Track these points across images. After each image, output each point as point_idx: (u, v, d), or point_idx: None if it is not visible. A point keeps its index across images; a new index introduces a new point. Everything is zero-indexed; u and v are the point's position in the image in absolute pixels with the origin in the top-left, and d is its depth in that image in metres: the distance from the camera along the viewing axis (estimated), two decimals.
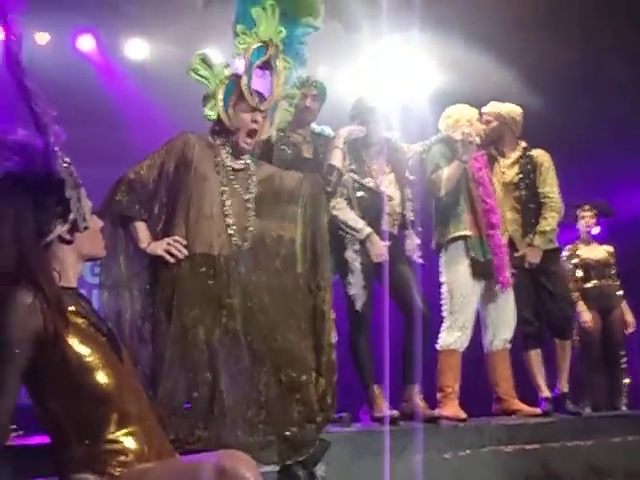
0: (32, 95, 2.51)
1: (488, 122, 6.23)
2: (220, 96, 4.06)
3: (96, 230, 2.76)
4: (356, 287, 5.22)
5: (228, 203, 3.98)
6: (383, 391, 5.16)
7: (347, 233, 5.26)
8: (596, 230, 8.02)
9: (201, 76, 4.08)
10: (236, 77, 4.09)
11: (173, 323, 3.75)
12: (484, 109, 6.23)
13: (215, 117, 4.11)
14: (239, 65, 4.09)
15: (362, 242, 5.25)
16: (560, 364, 6.19)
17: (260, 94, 4.11)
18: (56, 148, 2.55)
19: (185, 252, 3.87)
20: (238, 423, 3.68)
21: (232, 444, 3.43)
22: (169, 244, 3.88)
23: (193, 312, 3.78)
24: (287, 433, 3.79)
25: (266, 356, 3.84)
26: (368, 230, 5.25)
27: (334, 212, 5.20)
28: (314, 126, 5.49)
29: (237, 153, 4.11)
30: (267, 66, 4.13)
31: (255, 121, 4.07)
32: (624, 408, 7.30)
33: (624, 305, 7.75)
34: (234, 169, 4.07)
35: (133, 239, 3.94)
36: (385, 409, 5.08)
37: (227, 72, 4.10)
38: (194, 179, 3.96)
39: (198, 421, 3.62)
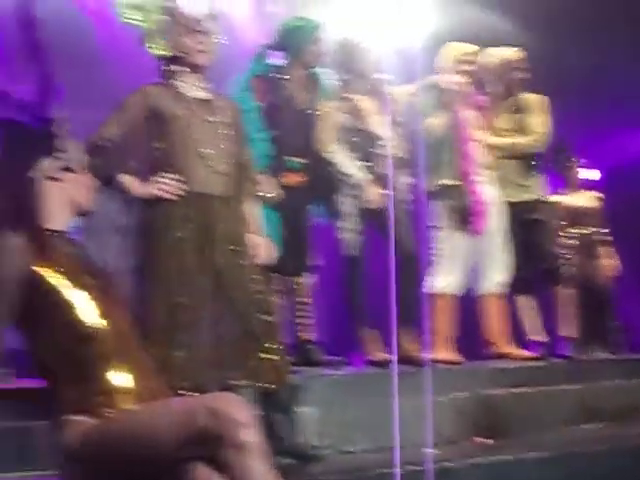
0: (41, 53, 2.52)
1: (517, 69, 6.17)
2: (162, 30, 4.00)
3: (88, 183, 2.75)
4: (349, 231, 5.23)
5: (201, 132, 3.93)
6: (377, 335, 5.18)
7: (341, 177, 5.26)
8: (592, 176, 8.01)
9: (132, 19, 4.03)
10: (168, 10, 4.02)
11: (164, 262, 3.76)
12: (509, 56, 6.16)
13: (163, 51, 4.03)
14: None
15: (356, 186, 5.25)
16: (562, 310, 6.17)
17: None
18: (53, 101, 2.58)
19: (181, 186, 3.85)
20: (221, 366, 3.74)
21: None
22: (161, 182, 3.84)
23: (185, 253, 3.78)
24: (263, 356, 3.84)
25: (242, 300, 3.86)
26: (362, 175, 5.24)
27: (329, 156, 5.21)
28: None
29: (195, 81, 4.03)
30: None
31: (201, 42, 4.01)
32: (612, 353, 7.36)
33: (610, 250, 7.79)
34: (198, 99, 4.00)
35: (121, 193, 3.90)
36: (379, 353, 5.10)
37: (158, 7, 4.04)
38: (168, 123, 3.91)
39: (186, 367, 3.65)
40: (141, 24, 4.02)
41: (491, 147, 6.02)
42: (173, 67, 4.00)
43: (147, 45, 4.02)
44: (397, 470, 3.86)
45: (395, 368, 4.56)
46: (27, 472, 3.91)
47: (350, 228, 5.24)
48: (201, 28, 3.99)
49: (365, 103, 5.44)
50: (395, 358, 4.82)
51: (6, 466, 3.90)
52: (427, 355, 5.16)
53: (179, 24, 3.97)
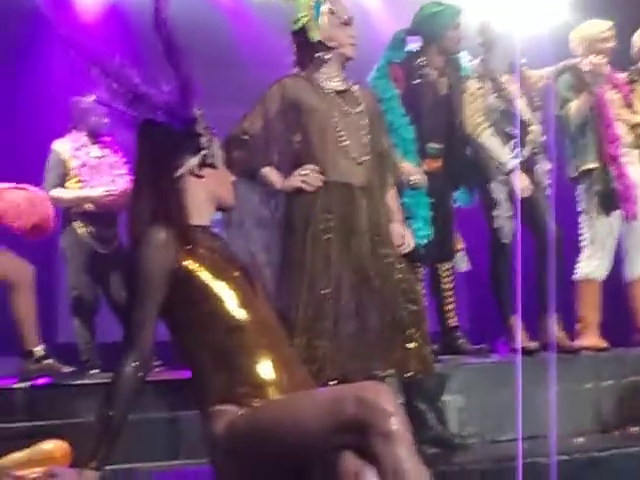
0: (178, 54, 2.58)
1: None
2: (314, 18, 3.98)
3: (227, 178, 2.81)
4: (501, 219, 5.18)
5: (341, 124, 3.92)
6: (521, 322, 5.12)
7: (493, 164, 5.22)
8: None
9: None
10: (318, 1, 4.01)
11: (307, 253, 3.78)
12: None
13: (315, 38, 4.00)
14: None
15: (508, 173, 5.19)
16: None
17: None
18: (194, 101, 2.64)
19: (322, 177, 3.86)
20: (368, 354, 3.75)
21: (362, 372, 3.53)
22: (303, 174, 3.87)
23: (329, 244, 3.80)
24: (409, 346, 3.82)
25: (386, 289, 3.84)
26: (513, 163, 5.17)
27: (480, 140, 5.18)
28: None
29: (336, 71, 4.01)
30: None
31: (352, 36, 3.99)
32: None
33: None
34: (337, 90, 4.00)
35: (263, 187, 3.94)
36: (525, 340, 5.05)
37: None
38: (306, 115, 3.91)
39: (330, 357, 3.67)
40: (294, 9, 4.00)
41: (634, 126, 5.84)
42: (319, 55, 3.99)
43: (298, 31, 4.00)
44: (519, 462, 3.80)
45: (519, 357, 4.50)
46: (178, 461, 4.02)
47: (503, 216, 5.18)
48: (350, 20, 4.00)
49: (510, 84, 5.34)
50: (520, 346, 4.78)
51: (157, 455, 4.02)
52: (553, 341, 5.02)
53: (333, 14, 3.97)
